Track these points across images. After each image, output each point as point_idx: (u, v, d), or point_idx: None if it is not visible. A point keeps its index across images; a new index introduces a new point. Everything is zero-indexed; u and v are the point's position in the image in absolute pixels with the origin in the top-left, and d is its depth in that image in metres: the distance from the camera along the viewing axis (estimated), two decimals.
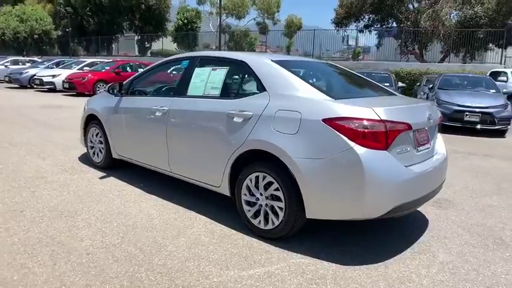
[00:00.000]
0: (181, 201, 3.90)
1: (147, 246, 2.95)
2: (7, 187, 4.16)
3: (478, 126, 8.76)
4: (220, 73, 3.57)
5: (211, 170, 3.46)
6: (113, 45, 35.51)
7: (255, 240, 3.10)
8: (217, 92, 3.53)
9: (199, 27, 39.59)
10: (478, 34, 21.61)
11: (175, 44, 34.37)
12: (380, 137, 2.66)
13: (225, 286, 2.45)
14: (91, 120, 5.02)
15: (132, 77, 4.56)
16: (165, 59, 4.36)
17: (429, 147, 3.19)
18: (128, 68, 15.67)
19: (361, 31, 26.01)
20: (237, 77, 3.62)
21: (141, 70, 15.92)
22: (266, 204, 3.08)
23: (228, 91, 3.53)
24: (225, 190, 3.41)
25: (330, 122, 2.72)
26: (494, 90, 9.92)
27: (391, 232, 3.37)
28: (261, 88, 3.20)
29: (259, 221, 3.13)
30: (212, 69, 3.67)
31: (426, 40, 22.95)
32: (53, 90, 16.52)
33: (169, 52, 32.06)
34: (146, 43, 33.95)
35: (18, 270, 2.54)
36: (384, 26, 23.93)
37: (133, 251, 2.87)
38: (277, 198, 2.99)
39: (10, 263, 2.63)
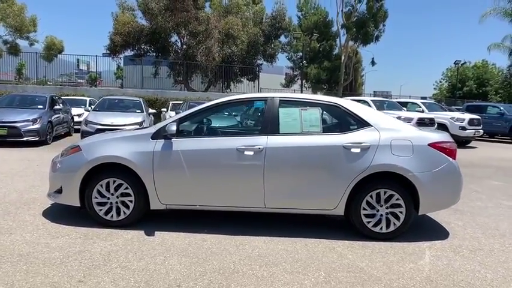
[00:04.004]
0: (279, 232, 4.09)
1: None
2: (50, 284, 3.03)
3: None
4: (315, 113, 4.14)
5: (327, 196, 3.99)
6: None
7: (382, 243, 3.95)
8: (318, 129, 4.09)
9: None
10: (235, 69, 26.55)
11: None
12: (455, 152, 4.20)
13: (429, 273, 3.35)
14: (99, 171, 4.07)
15: (178, 118, 4.13)
16: (225, 99, 4.27)
17: None
18: None
19: (132, 60, 26.36)
20: (332, 116, 4.27)
21: None
22: (387, 213, 4.01)
23: (328, 128, 4.15)
24: (340, 211, 4.04)
25: (433, 145, 4.04)
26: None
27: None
28: (365, 124, 4.08)
29: (381, 227, 4.02)
30: (302, 110, 4.17)
31: (191, 72, 25.96)
32: None
33: None
34: None
35: None
36: (159, 57, 25.34)
37: None
38: (398, 206, 4.00)
39: None
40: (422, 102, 16.23)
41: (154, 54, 25.30)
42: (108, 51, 23.91)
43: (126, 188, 4.07)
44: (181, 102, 16.85)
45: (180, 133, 4.12)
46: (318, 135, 4.07)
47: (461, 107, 21.79)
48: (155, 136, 4.09)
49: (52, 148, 10.21)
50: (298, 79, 34.53)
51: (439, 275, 3.26)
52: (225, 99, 4.33)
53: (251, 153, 3.97)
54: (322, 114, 4.19)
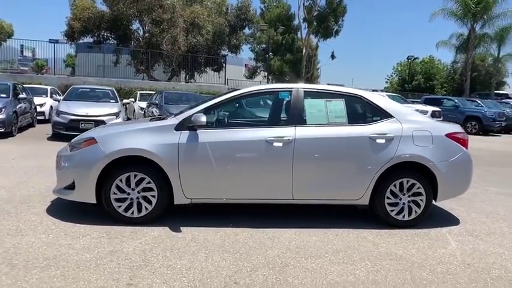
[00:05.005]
0: (303, 224, 4.08)
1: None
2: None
3: None
4: (339, 104, 4.15)
5: (354, 186, 4.04)
6: None
7: (406, 230, 4.07)
8: (343, 120, 4.11)
9: None
10: (200, 59, 26.01)
11: None
12: (467, 142, 4.41)
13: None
14: (116, 165, 3.82)
15: (203, 108, 3.96)
16: (249, 90, 4.14)
17: None
18: None
19: (90, 47, 24.85)
20: (355, 107, 4.30)
21: None
22: (409, 201, 4.13)
23: (353, 119, 4.17)
24: (365, 200, 4.11)
25: (450, 135, 4.21)
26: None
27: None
28: (388, 115, 4.16)
29: (404, 215, 4.14)
30: (327, 101, 4.16)
31: (154, 61, 25.05)
32: None
33: None
34: None
35: None
36: (120, 45, 24.18)
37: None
38: (419, 194, 4.13)
39: None
40: (387, 95, 16.89)
41: (115, 41, 24.09)
42: (65, 38, 22.41)
43: (149, 183, 3.85)
44: (151, 92, 16.23)
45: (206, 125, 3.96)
46: (344, 126, 4.09)
47: (418, 100, 23.01)
48: (179, 127, 3.90)
49: (18, 140, 9.47)
50: (261, 71, 34.57)
51: (472, 259, 3.43)
52: (248, 89, 4.23)
53: (280, 144, 3.91)
54: (345, 105, 4.21)
